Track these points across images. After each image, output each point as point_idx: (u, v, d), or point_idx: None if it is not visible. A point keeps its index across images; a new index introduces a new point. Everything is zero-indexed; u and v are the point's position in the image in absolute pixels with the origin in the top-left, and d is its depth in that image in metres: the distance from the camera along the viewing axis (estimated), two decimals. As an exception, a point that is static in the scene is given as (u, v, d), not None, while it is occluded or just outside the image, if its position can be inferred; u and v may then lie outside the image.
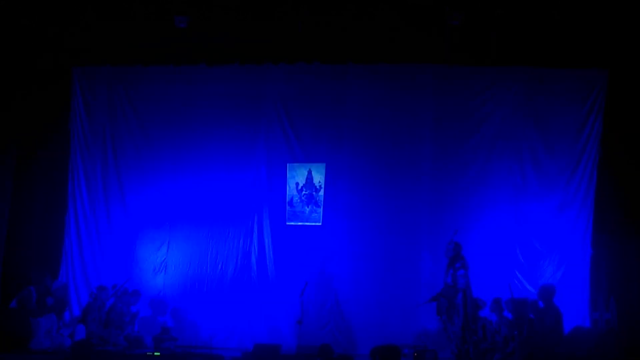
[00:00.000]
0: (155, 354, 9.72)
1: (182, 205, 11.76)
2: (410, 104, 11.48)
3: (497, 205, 11.20)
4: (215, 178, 11.76)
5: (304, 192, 11.61)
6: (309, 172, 11.64)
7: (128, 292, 10.86)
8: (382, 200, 11.36)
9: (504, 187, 11.21)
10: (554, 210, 11.13)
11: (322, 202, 11.56)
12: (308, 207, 11.58)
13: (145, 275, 11.62)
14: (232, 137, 11.79)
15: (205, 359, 9.66)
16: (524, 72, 11.27)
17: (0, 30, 11.14)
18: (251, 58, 11.71)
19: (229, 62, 11.79)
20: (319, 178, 11.60)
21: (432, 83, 11.43)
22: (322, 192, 11.57)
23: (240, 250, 11.58)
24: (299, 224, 11.55)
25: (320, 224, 11.49)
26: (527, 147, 11.25)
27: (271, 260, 11.47)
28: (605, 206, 10.94)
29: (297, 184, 11.64)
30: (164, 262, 11.69)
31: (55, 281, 11.02)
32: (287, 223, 11.57)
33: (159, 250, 11.72)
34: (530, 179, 11.22)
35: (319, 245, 11.39)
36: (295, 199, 11.61)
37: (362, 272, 11.22)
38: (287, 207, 11.61)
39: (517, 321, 9.85)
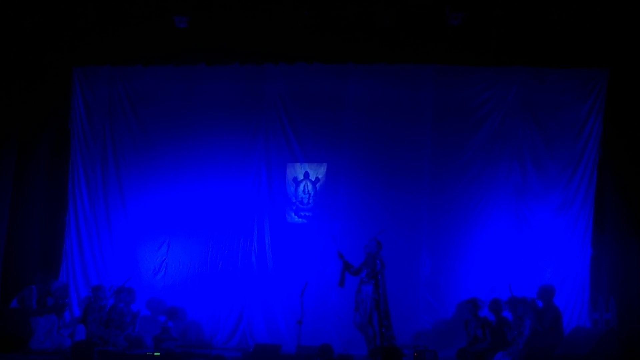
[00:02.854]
0: (155, 354, 9.70)
1: (183, 205, 11.76)
2: (410, 104, 11.47)
3: (497, 205, 11.19)
4: (215, 178, 11.76)
5: (303, 192, 11.61)
6: (309, 172, 11.65)
7: (124, 291, 10.81)
8: (382, 200, 11.36)
9: (504, 187, 11.20)
10: (554, 210, 11.12)
11: (321, 202, 11.56)
12: (308, 206, 11.58)
13: (146, 275, 11.61)
14: (232, 137, 11.79)
15: (205, 359, 9.65)
16: (524, 72, 11.25)
17: (0, 30, 11.15)
18: (251, 58, 11.71)
19: (229, 62, 11.79)
20: (318, 178, 11.61)
21: (432, 83, 11.42)
22: (321, 192, 11.57)
23: (240, 249, 11.58)
24: (299, 221, 11.55)
25: (320, 223, 11.49)
26: (527, 147, 11.24)
27: (271, 260, 11.48)
28: (605, 206, 10.94)
29: (297, 183, 11.64)
30: (164, 262, 11.69)
31: (55, 281, 11.01)
32: (287, 221, 11.59)
33: (159, 250, 11.72)
34: (530, 178, 11.21)
35: (319, 244, 11.39)
36: (295, 198, 11.61)
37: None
38: (287, 207, 11.61)
39: (516, 321, 9.86)
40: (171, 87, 11.93)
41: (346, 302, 11.16)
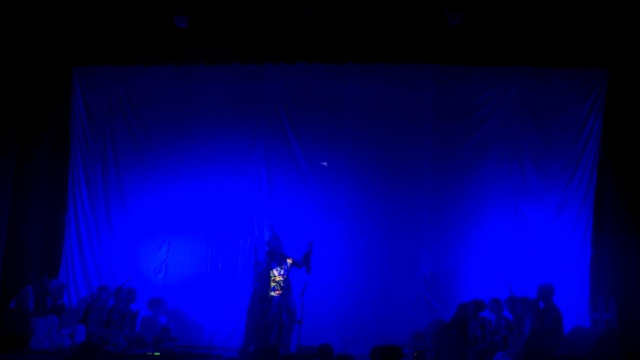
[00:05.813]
0: (155, 354, 9.71)
1: (183, 205, 11.76)
2: (410, 104, 11.49)
3: (497, 205, 11.21)
4: (216, 178, 11.76)
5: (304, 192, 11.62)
6: (309, 172, 11.64)
7: (124, 291, 10.81)
8: (382, 200, 11.37)
9: (504, 187, 11.22)
10: (554, 210, 11.14)
11: (322, 202, 11.55)
12: (308, 206, 11.56)
13: (146, 275, 11.61)
14: (232, 137, 11.79)
15: (205, 359, 9.65)
16: (524, 72, 11.27)
17: (0, 31, 11.15)
18: (251, 58, 11.71)
19: (229, 62, 11.80)
20: (318, 178, 11.60)
21: (432, 83, 11.43)
22: (322, 192, 11.56)
23: (240, 249, 11.58)
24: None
25: (320, 223, 11.48)
26: (527, 147, 11.26)
27: (271, 260, 11.48)
28: (605, 206, 10.94)
29: (297, 183, 11.64)
30: (164, 262, 11.70)
31: (52, 281, 11.01)
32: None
33: (159, 250, 11.73)
34: (530, 179, 11.23)
35: (318, 245, 11.36)
36: (295, 198, 11.61)
37: (362, 272, 11.22)
38: (287, 206, 11.60)
39: (516, 321, 9.86)
40: (171, 87, 11.94)
41: (346, 302, 11.21)
